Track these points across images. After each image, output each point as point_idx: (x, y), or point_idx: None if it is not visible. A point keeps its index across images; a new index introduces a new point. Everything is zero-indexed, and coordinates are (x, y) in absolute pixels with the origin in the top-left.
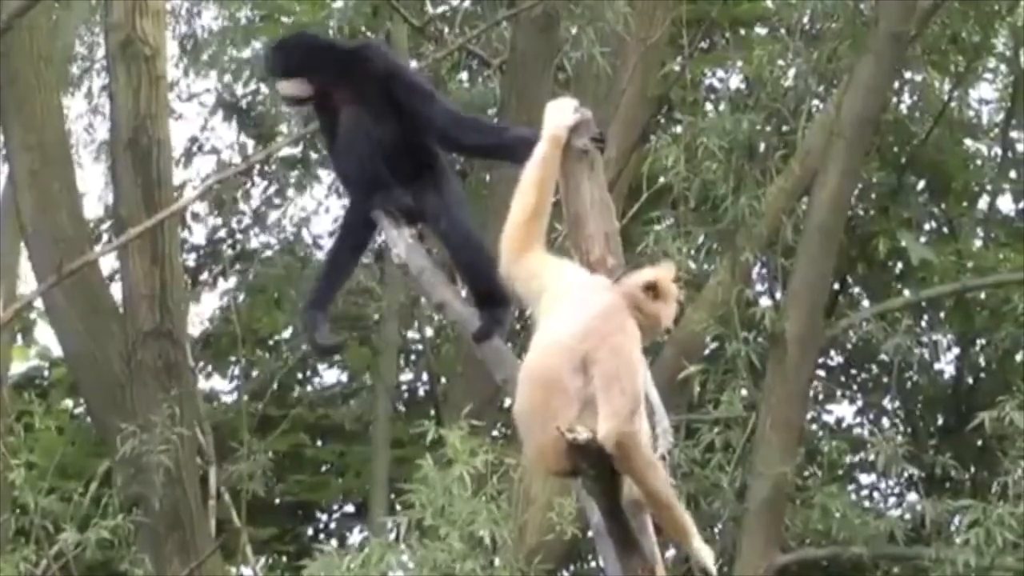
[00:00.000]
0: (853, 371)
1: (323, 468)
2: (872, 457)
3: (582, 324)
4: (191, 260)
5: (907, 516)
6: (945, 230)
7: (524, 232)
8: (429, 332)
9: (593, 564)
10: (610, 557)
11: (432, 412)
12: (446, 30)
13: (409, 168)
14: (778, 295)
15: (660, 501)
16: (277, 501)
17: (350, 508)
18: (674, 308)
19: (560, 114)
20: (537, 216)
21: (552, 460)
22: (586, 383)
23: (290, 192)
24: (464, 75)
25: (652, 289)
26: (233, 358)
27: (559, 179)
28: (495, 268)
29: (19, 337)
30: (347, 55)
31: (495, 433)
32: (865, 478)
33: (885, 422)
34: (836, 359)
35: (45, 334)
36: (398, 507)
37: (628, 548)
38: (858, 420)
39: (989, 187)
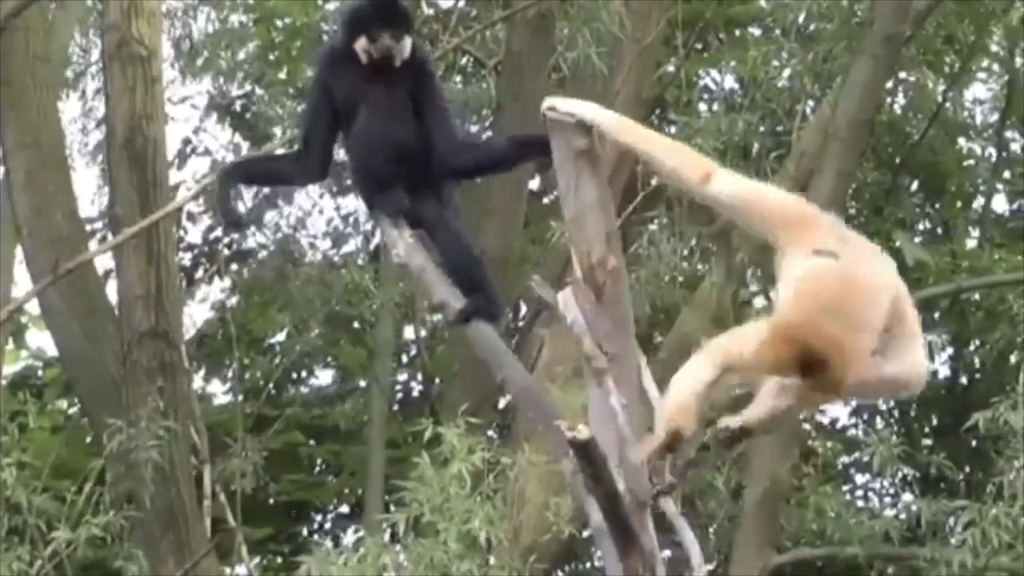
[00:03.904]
0: None
1: (318, 468)
2: (867, 457)
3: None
4: (186, 259)
5: (902, 516)
6: (940, 231)
7: (692, 158)
8: (424, 333)
9: (590, 564)
10: (610, 556)
11: (428, 413)
12: (441, 30)
13: (416, 173)
14: (773, 295)
15: None
16: (272, 501)
17: (345, 508)
18: None
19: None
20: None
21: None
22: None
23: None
24: (459, 76)
25: None
26: (227, 359)
27: (558, 178)
28: (488, 280)
29: (10, 340)
30: None
31: (491, 433)
32: (860, 478)
33: (880, 422)
34: None
35: (35, 338)
36: (393, 507)
37: (628, 547)
38: (853, 420)
39: (984, 188)
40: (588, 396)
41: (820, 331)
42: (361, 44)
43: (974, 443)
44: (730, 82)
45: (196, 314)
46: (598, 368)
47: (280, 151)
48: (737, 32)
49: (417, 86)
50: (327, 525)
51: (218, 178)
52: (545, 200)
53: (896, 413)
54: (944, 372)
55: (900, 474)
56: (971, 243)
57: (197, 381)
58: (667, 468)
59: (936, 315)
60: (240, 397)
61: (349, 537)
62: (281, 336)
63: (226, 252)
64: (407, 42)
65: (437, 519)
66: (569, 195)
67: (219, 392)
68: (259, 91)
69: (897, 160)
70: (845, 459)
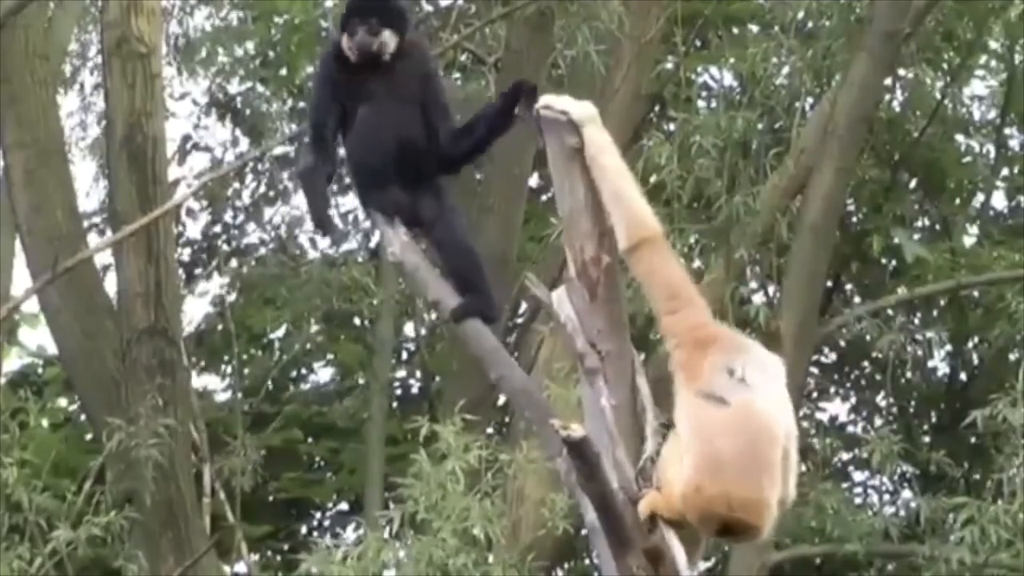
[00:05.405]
0: (847, 368)
1: (317, 465)
2: (866, 454)
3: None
4: (185, 255)
5: (901, 513)
6: (939, 228)
7: (641, 217)
8: (423, 330)
9: (588, 562)
10: (605, 555)
11: (426, 410)
12: (441, 28)
13: (415, 171)
14: (772, 292)
15: None
16: (271, 498)
17: (344, 506)
18: None
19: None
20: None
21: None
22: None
23: (287, 182)
24: (459, 73)
25: None
26: (227, 356)
27: (552, 176)
28: (485, 277)
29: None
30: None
31: (489, 431)
32: (859, 475)
33: (879, 420)
34: (830, 356)
35: (35, 335)
36: (392, 505)
37: (622, 546)
38: (852, 417)
39: (983, 184)
40: (583, 394)
41: (732, 500)
42: (344, 42)
43: (973, 440)
44: (729, 79)
45: (195, 310)
46: (590, 367)
47: (280, 149)
48: (736, 29)
49: (420, 82)
50: (326, 522)
51: (304, 182)
52: (544, 197)
53: (895, 410)
54: (943, 369)
55: (899, 471)
56: (970, 240)
57: (195, 378)
58: (654, 474)
59: (935, 312)
60: (239, 394)
61: (348, 534)
62: (280, 333)
63: (225, 248)
64: (387, 35)
65: (434, 516)
66: (563, 193)
67: (218, 389)
68: (259, 87)
69: (896, 157)
70: (844, 456)
